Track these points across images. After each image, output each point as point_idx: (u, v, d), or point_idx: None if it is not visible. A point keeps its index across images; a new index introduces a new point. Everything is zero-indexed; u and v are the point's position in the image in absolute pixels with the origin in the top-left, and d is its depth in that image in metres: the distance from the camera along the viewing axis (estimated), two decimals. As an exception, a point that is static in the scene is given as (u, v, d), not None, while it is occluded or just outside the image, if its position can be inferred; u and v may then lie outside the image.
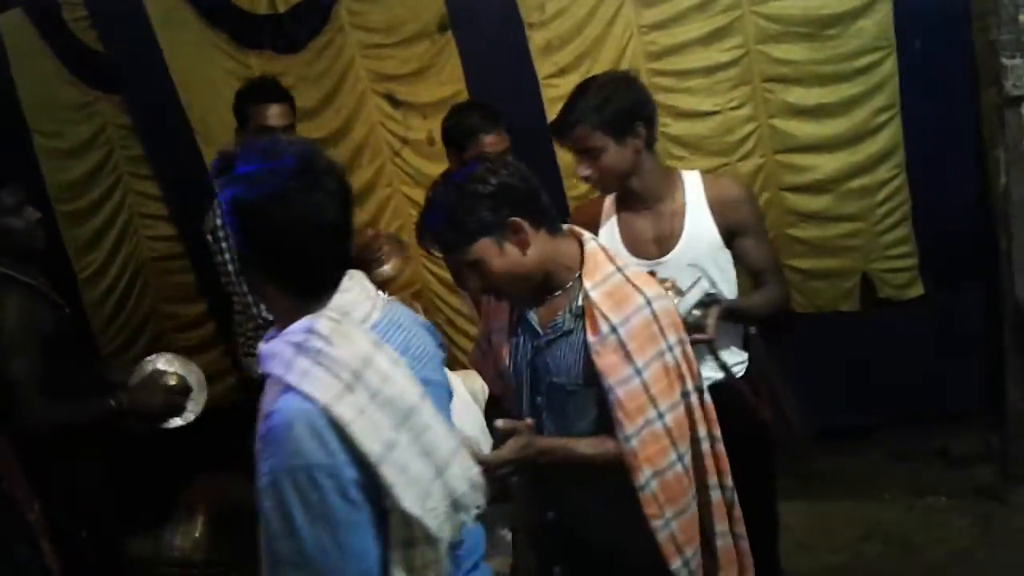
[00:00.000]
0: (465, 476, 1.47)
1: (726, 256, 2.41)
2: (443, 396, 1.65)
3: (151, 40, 3.96)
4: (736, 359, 2.44)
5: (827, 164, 3.61)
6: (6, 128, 4.25)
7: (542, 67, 3.66)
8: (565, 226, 2.00)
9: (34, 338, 2.54)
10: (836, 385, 3.67)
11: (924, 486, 3.51)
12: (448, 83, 3.79)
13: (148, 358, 2.98)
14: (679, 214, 2.37)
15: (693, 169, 2.51)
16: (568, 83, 3.60)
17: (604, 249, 1.98)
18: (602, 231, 2.44)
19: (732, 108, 3.59)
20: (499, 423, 1.90)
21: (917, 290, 3.72)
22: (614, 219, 2.46)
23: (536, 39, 3.64)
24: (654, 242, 2.39)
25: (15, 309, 2.54)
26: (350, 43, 3.85)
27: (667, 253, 2.37)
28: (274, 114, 3.11)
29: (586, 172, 2.33)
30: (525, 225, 1.86)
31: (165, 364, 2.92)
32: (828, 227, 3.71)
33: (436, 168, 3.78)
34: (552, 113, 3.58)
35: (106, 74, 4.10)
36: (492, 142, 2.91)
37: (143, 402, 2.76)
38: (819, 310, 3.77)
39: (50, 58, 4.13)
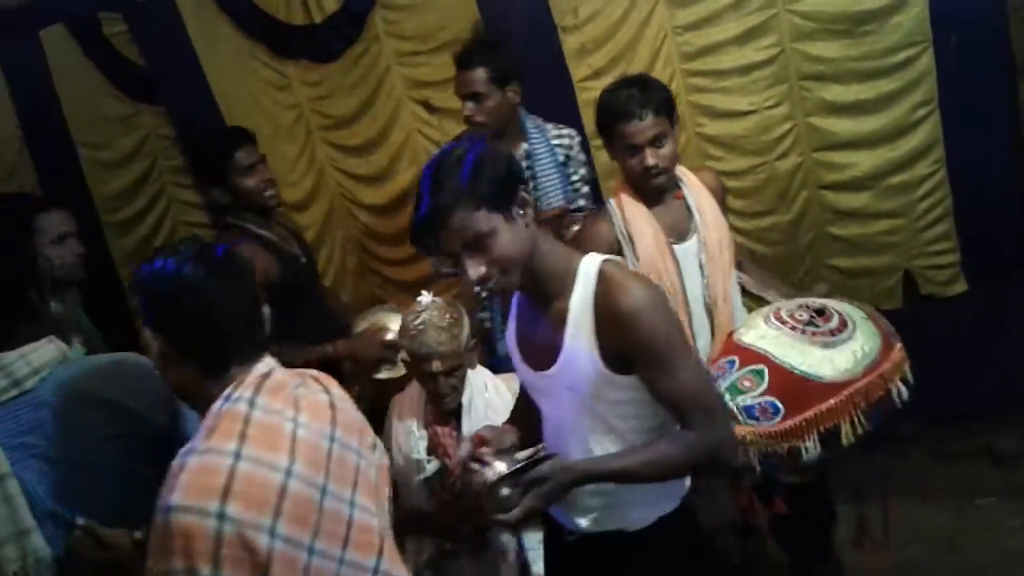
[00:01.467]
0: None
1: (622, 385, 1.78)
2: None
3: (190, 52, 4.03)
4: None
5: (866, 161, 3.58)
6: (52, 141, 4.36)
7: (576, 70, 3.67)
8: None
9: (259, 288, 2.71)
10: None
11: (970, 486, 3.46)
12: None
13: (373, 309, 3.27)
14: (560, 321, 1.78)
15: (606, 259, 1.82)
16: (603, 85, 3.61)
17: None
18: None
19: (768, 107, 3.57)
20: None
21: (960, 286, 3.68)
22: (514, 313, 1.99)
23: (570, 42, 3.65)
24: (539, 350, 1.86)
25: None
26: (385, 51, 3.89)
27: (545, 369, 1.84)
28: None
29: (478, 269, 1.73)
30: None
31: (389, 318, 3.08)
32: (868, 224, 3.67)
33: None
34: (587, 116, 3.62)
35: (147, 86, 4.19)
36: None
37: (359, 351, 3.02)
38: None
39: (92, 72, 4.23)
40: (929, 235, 3.63)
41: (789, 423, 2.07)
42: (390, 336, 2.98)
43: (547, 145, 3.15)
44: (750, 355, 2.18)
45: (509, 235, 1.70)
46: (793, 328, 2.20)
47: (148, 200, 4.34)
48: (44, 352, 1.82)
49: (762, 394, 2.10)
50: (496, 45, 3.08)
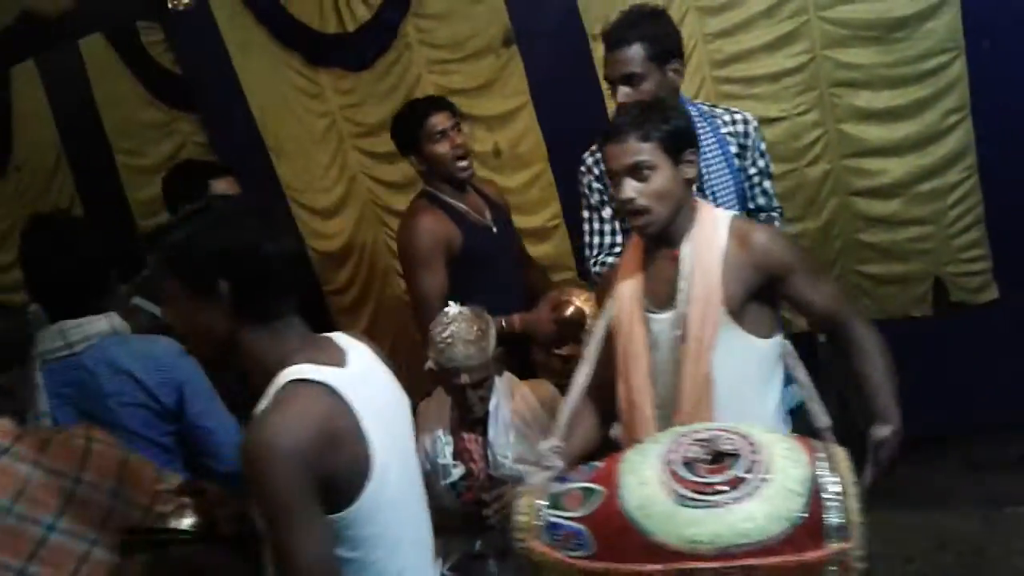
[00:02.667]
0: None
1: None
2: None
3: (226, 61, 4.11)
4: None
5: (897, 168, 3.57)
6: (90, 148, 4.46)
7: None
8: None
9: (439, 255, 2.90)
10: (909, 392, 3.61)
11: (1000, 495, 3.44)
12: (513, 96, 3.85)
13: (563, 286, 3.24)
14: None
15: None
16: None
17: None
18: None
19: (799, 114, 3.57)
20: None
21: (991, 294, 3.65)
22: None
23: (600, 50, 3.65)
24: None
25: (424, 229, 2.91)
26: (417, 59, 3.93)
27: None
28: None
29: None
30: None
31: (574, 293, 3.00)
32: (898, 231, 3.66)
33: (502, 180, 3.85)
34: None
35: (183, 94, 4.27)
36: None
37: (534, 327, 2.94)
38: (890, 316, 3.72)
39: (130, 80, 4.33)
40: (960, 242, 3.61)
41: (593, 565, 1.65)
42: (570, 311, 2.92)
43: (715, 135, 2.58)
44: (605, 472, 1.75)
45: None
46: (673, 471, 1.64)
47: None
48: (98, 324, 2.17)
49: (577, 519, 1.68)
50: (655, 16, 2.56)
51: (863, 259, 3.69)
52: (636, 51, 2.44)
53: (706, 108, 2.66)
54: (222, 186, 2.97)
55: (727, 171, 2.56)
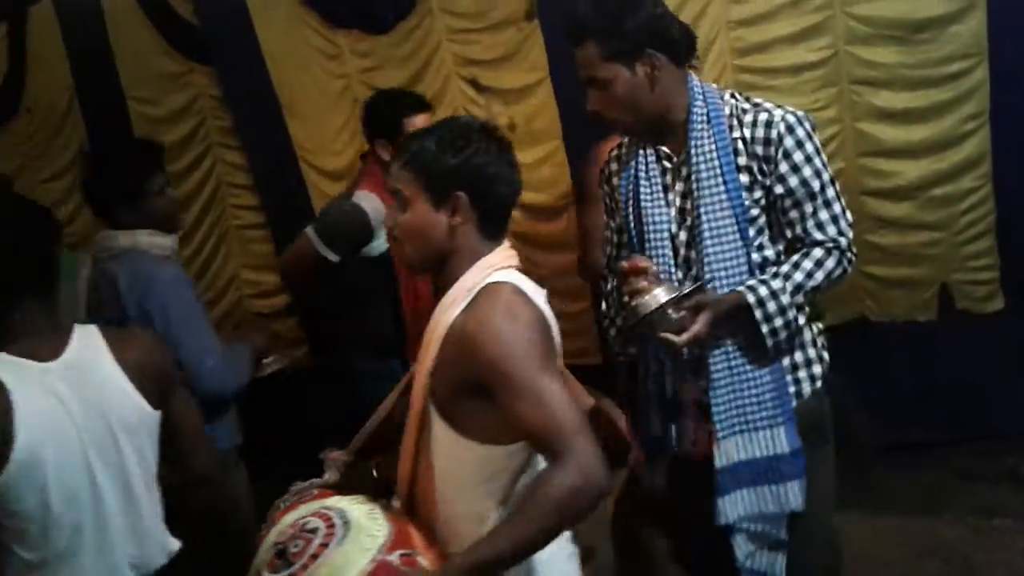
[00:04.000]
0: None
1: None
2: None
3: (244, 15, 4.08)
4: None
5: (911, 170, 3.54)
6: (103, 94, 4.44)
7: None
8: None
9: None
10: (906, 398, 3.62)
11: (991, 507, 3.43)
12: (532, 70, 3.82)
13: None
14: None
15: None
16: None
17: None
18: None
19: (817, 109, 3.53)
20: None
21: (997, 304, 3.63)
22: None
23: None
24: None
25: None
26: (437, 27, 3.89)
27: None
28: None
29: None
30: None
31: None
32: (908, 235, 3.64)
33: (516, 155, 3.81)
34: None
35: (200, 46, 4.24)
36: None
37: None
38: (894, 319, 3.71)
39: (147, 28, 4.30)
40: (970, 249, 3.59)
41: None
42: None
43: (718, 139, 2.08)
44: None
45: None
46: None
47: (194, 158, 4.39)
48: (121, 240, 2.58)
49: None
50: (612, 2, 2.06)
51: (871, 260, 3.66)
52: (590, 51, 2.04)
53: (726, 101, 2.12)
54: (419, 121, 2.93)
55: (722, 191, 2.05)
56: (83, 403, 1.81)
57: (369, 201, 2.99)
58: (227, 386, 2.58)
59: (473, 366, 1.56)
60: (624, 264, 2.07)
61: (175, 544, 1.97)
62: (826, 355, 2.20)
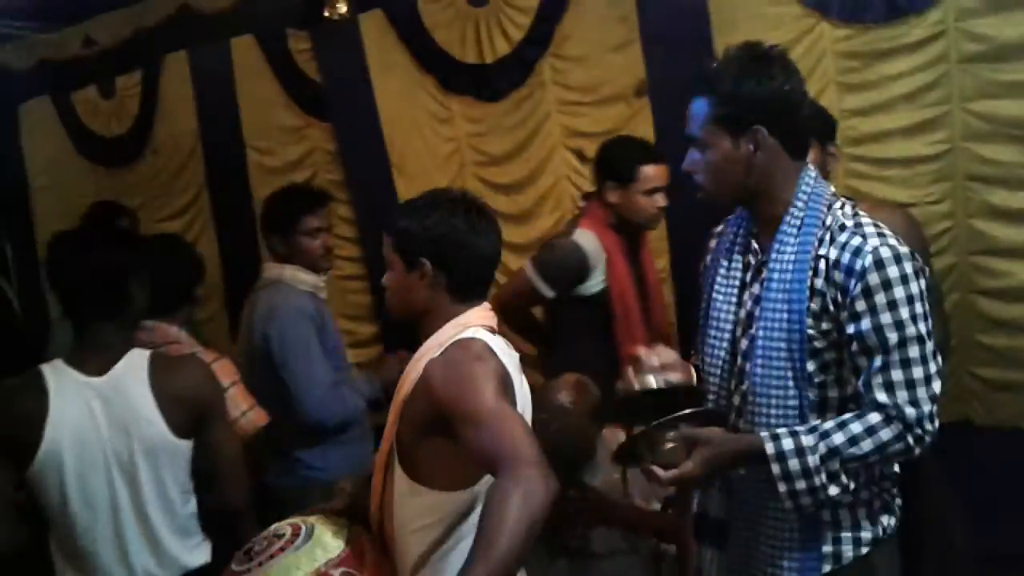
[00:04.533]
0: None
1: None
2: None
3: (364, 76, 4.24)
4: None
5: (1024, 272, 3.43)
6: (225, 141, 4.65)
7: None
8: None
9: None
10: (1006, 507, 3.46)
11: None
12: (639, 145, 3.84)
13: None
14: None
15: None
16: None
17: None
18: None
19: (930, 203, 3.46)
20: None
21: (1111, 418, 3.46)
22: None
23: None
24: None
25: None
26: (548, 98, 3.98)
27: None
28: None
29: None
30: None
31: None
32: (1019, 337, 3.50)
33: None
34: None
35: (320, 103, 4.42)
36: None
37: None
38: (998, 425, 3.56)
39: (272, 82, 4.50)
40: (1084, 358, 3.44)
41: None
42: None
43: (800, 247, 1.81)
44: None
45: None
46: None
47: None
48: (271, 271, 3.01)
49: None
50: (751, 62, 1.84)
51: (979, 361, 3.53)
52: (700, 107, 1.86)
53: (832, 211, 1.81)
54: (651, 171, 3.05)
55: (783, 309, 1.79)
56: (111, 420, 2.06)
57: (588, 239, 3.06)
58: (328, 416, 2.79)
59: (436, 399, 1.68)
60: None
61: (195, 563, 2.19)
62: (886, 517, 1.86)
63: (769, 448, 1.71)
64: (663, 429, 1.73)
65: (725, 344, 1.90)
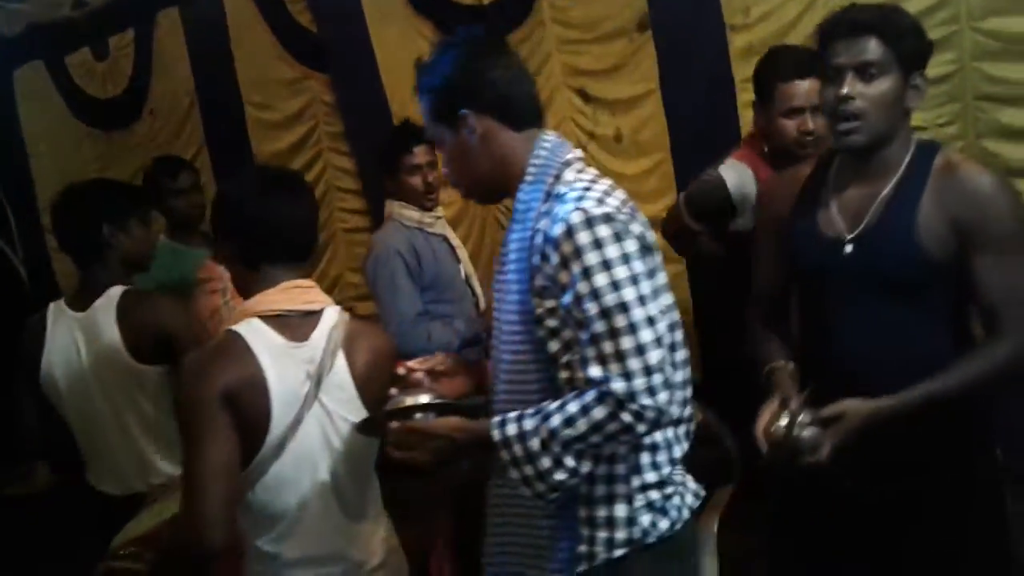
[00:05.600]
0: None
1: None
2: None
3: (361, 24, 4.18)
4: None
5: (1036, 191, 3.40)
6: (222, 97, 4.60)
7: (740, 71, 3.60)
8: None
9: None
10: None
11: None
12: (641, 82, 3.80)
13: None
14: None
15: None
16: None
17: None
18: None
19: (940, 125, 3.41)
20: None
21: None
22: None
23: (737, 42, 3.58)
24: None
25: None
26: (548, 37, 3.92)
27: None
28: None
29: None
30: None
31: None
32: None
33: (621, 165, 3.82)
34: (745, 118, 3.55)
35: (316, 53, 4.36)
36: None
37: None
38: None
39: (267, 34, 4.45)
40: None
41: None
42: None
43: (525, 224, 1.69)
44: None
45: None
46: None
47: (305, 162, 4.52)
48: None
49: None
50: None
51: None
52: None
53: (557, 180, 1.67)
54: (794, 89, 2.61)
55: (514, 292, 1.67)
56: (89, 348, 2.44)
57: (734, 171, 2.72)
58: (407, 347, 2.76)
59: None
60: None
61: (159, 478, 2.46)
62: (648, 517, 1.66)
63: (495, 435, 1.59)
64: (397, 417, 1.68)
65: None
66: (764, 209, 2.20)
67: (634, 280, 1.53)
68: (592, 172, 1.69)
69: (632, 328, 1.51)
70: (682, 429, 1.71)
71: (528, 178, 1.68)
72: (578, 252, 1.53)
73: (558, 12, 3.87)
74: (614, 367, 1.50)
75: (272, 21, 4.40)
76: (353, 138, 4.41)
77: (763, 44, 3.54)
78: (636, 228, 1.60)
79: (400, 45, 4.16)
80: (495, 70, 1.71)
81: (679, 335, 1.70)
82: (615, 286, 1.52)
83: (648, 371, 1.50)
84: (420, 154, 3.05)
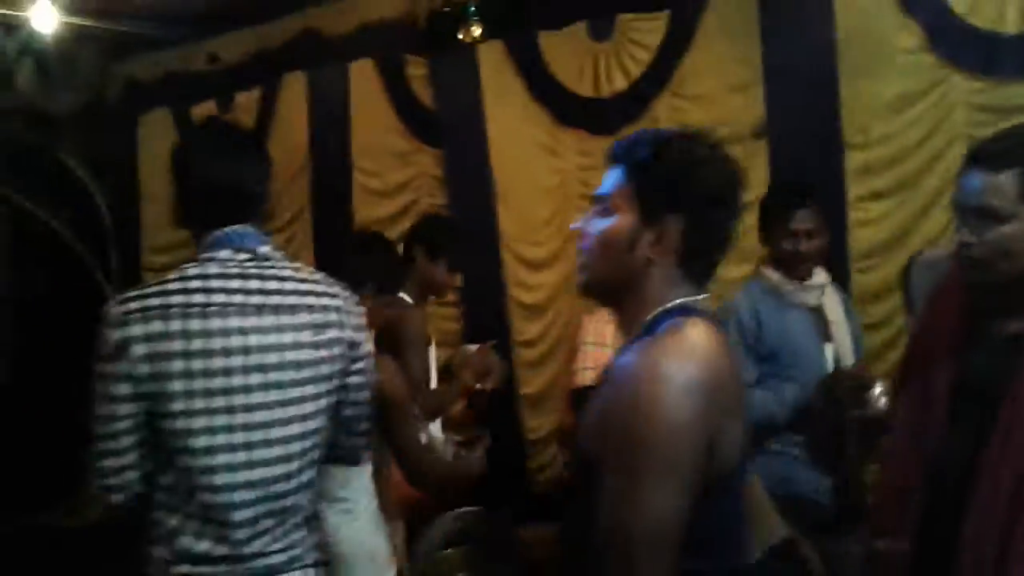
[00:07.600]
0: None
1: None
2: None
3: (478, 104, 4.29)
4: None
5: None
6: (333, 160, 4.73)
7: (855, 189, 3.56)
8: None
9: None
10: None
11: None
12: (751, 189, 3.74)
13: None
14: None
15: None
16: (880, 208, 3.50)
17: None
18: None
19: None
20: None
21: None
22: None
23: (855, 159, 3.55)
24: None
25: None
26: (665, 135, 3.94)
27: None
28: None
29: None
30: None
31: None
32: None
33: (722, 270, 3.73)
34: (855, 237, 3.50)
35: (431, 129, 4.47)
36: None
37: None
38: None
39: (386, 107, 4.58)
40: None
41: None
42: None
43: None
44: None
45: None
46: None
47: (402, 233, 4.56)
48: None
49: None
50: None
51: None
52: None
53: None
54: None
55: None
56: None
57: None
58: None
59: None
60: None
61: None
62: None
63: None
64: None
65: None
66: None
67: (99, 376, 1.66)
68: None
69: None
70: None
71: None
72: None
73: (675, 113, 3.91)
74: None
75: (392, 93, 4.54)
76: (455, 213, 4.46)
77: (881, 164, 3.52)
78: None
79: (513, 128, 4.25)
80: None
81: None
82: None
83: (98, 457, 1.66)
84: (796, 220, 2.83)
